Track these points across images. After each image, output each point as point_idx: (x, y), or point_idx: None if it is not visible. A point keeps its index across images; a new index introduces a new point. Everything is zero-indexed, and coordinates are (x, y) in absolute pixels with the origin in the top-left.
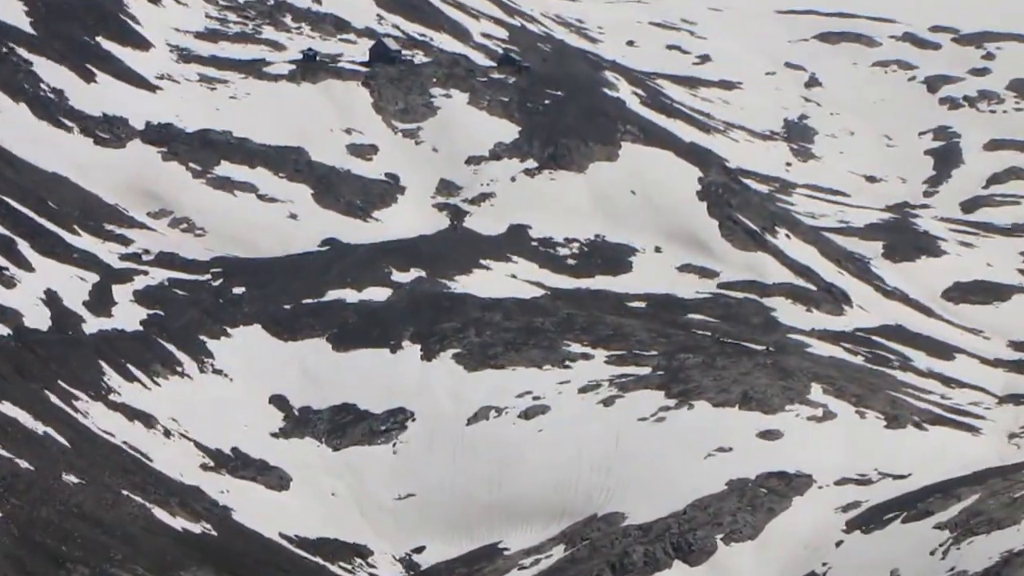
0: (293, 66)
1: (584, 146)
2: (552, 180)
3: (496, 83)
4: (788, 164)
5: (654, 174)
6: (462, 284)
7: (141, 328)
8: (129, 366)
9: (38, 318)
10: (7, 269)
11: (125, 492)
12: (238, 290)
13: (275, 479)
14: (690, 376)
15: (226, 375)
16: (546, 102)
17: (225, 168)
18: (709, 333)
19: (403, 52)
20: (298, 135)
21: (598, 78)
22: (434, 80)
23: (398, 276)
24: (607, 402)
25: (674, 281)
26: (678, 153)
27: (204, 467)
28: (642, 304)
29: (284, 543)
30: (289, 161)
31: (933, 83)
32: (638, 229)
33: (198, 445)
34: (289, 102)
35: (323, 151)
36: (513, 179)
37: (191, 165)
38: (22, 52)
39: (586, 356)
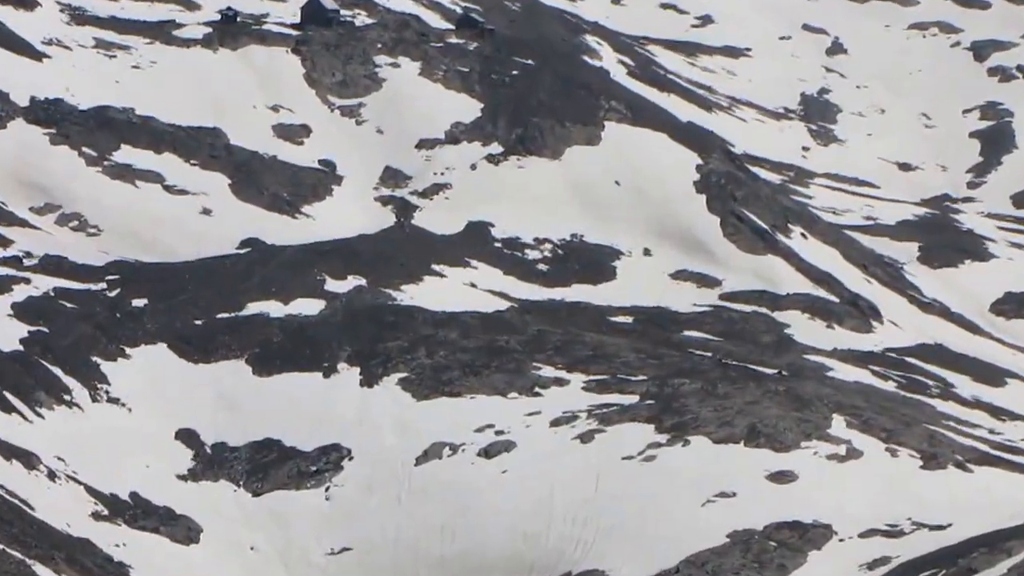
0: (209, 29)
1: (559, 127)
2: (520, 168)
3: (454, 49)
4: (805, 149)
5: (643, 161)
6: (411, 295)
7: (21, 348)
8: (6, 394)
9: None
10: None
11: (0, 546)
12: (139, 302)
13: (182, 530)
14: (686, 406)
15: (124, 404)
16: (514, 73)
17: (126, 153)
18: (709, 354)
19: (341, 12)
20: (214, 113)
21: (577, 43)
22: (379, 46)
23: (333, 285)
24: (585, 437)
25: (667, 291)
26: (673, 135)
27: (96, 516)
28: (628, 319)
29: None
30: (203, 145)
31: (981, 50)
32: (624, 227)
33: (89, 489)
34: (204, 73)
35: (244, 132)
36: (473, 167)
37: (84, 150)
38: None
39: (560, 382)
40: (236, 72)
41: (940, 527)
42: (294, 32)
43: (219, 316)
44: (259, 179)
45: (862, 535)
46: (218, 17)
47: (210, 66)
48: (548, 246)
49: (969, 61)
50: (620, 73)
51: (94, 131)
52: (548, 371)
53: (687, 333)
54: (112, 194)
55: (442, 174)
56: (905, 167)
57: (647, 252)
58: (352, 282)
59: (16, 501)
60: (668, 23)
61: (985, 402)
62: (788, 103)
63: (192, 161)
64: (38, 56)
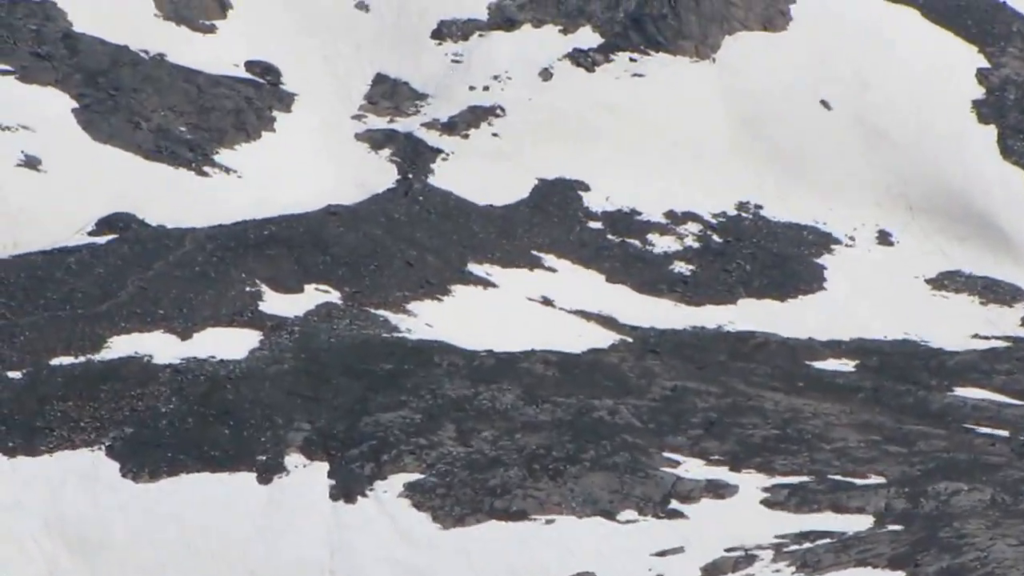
0: None
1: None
2: (637, 78)
3: None
4: None
5: (874, 62)
6: (425, 319)
7: None
8: None
9: None
10: None
11: None
12: None
13: None
14: (964, 535)
15: None
16: None
17: None
18: (1004, 434)
19: None
20: None
21: None
22: None
23: (276, 302)
24: None
25: (921, 310)
26: (930, 12)
27: None
28: (848, 363)
29: None
30: (23, 33)
31: None
32: (840, 190)
33: None
34: None
35: (98, 12)
36: (546, 74)
37: None
38: None
39: (717, 489)
40: None
41: None
42: None
43: (55, 364)
44: (133, 101)
45: None
46: None
47: None
48: (693, 227)
49: None
50: None
51: None
52: (692, 467)
53: (960, 391)
54: None
55: (486, 89)
56: None
57: (884, 238)
58: (313, 297)
59: None
60: None
61: None
62: None
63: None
64: None
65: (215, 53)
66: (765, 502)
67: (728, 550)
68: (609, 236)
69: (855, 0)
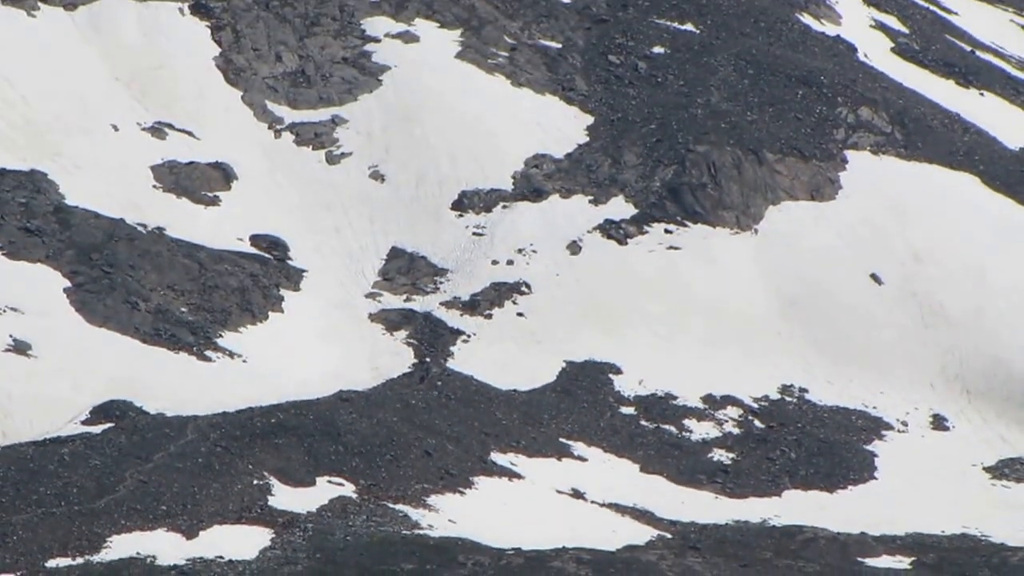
0: None
1: (753, 164)
2: (673, 250)
3: (530, 3)
4: None
5: (928, 231)
6: (448, 515)
7: None
8: None
9: None
10: None
11: None
12: None
13: None
14: None
15: None
16: (656, 52)
17: None
18: None
19: None
20: (33, 139)
21: None
22: None
23: (286, 496)
24: None
25: (984, 504)
26: (989, 178)
27: None
28: (905, 562)
29: None
30: (10, 204)
31: None
32: (891, 371)
33: None
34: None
35: (93, 179)
36: (575, 247)
37: None
38: None
39: None
40: (80, 52)
41: None
42: None
43: (51, 566)
44: (130, 280)
45: None
46: None
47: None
48: (733, 412)
49: None
50: (879, 49)
51: None
52: None
53: None
54: None
55: (510, 263)
56: None
57: (939, 423)
58: (326, 491)
59: None
60: None
61: None
62: None
63: None
64: None
65: (218, 226)
66: None
67: None
68: (643, 422)
69: (908, 166)
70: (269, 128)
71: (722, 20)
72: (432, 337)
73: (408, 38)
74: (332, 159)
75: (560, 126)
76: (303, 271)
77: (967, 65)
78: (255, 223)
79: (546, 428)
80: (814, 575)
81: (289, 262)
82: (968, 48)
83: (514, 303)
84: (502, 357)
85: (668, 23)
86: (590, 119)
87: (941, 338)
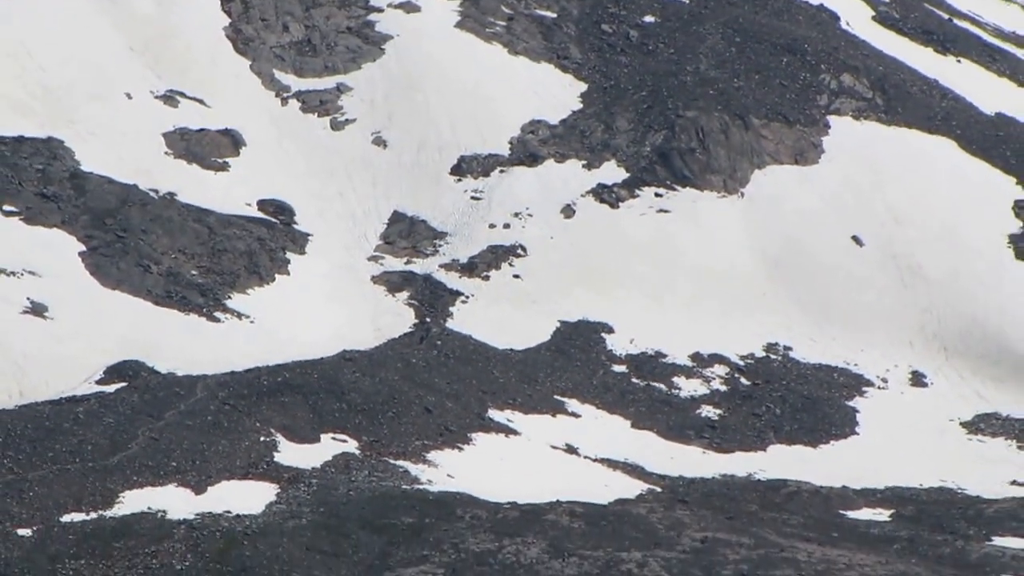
0: None
1: (740, 129)
2: (663, 213)
3: None
4: None
5: (909, 194)
6: (447, 469)
7: None
8: None
9: None
10: None
11: None
12: None
13: None
14: None
15: None
16: (647, 20)
17: None
18: None
19: None
20: (51, 103)
21: None
22: None
23: (291, 452)
24: None
25: (961, 457)
26: (966, 142)
27: None
28: (884, 513)
29: None
30: (28, 167)
31: None
32: (872, 330)
33: None
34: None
35: (106, 144)
36: (568, 211)
37: None
38: None
39: None
40: (95, 22)
41: None
42: None
43: (66, 520)
44: (142, 244)
45: None
46: None
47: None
48: (720, 370)
49: None
50: (861, 18)
51: None
52: None
53: (999, 541)
54: None
55: (506, 227)
56: None
57: (918, 379)
58: (330, 447)
59: None
60: None
61: None
62: None
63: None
64: None
65: (227, 192)
66: None
67: None
68: (634, 380)
69: (888, 130)
70: (276, 96)
71: None
72: (432, 298)
73: (410, 8)
74: (336, 126)
75: (555, 93)
76: (308, 235)
77: (945, 33)
78: (262, 188)
79: (541, 386)
80: (798, 527)
81: (295, 226)
82: (946, 16)
83: (511, 265)
84: (499, 317)
85: None
86: (584, 86)
87: (920, 298)
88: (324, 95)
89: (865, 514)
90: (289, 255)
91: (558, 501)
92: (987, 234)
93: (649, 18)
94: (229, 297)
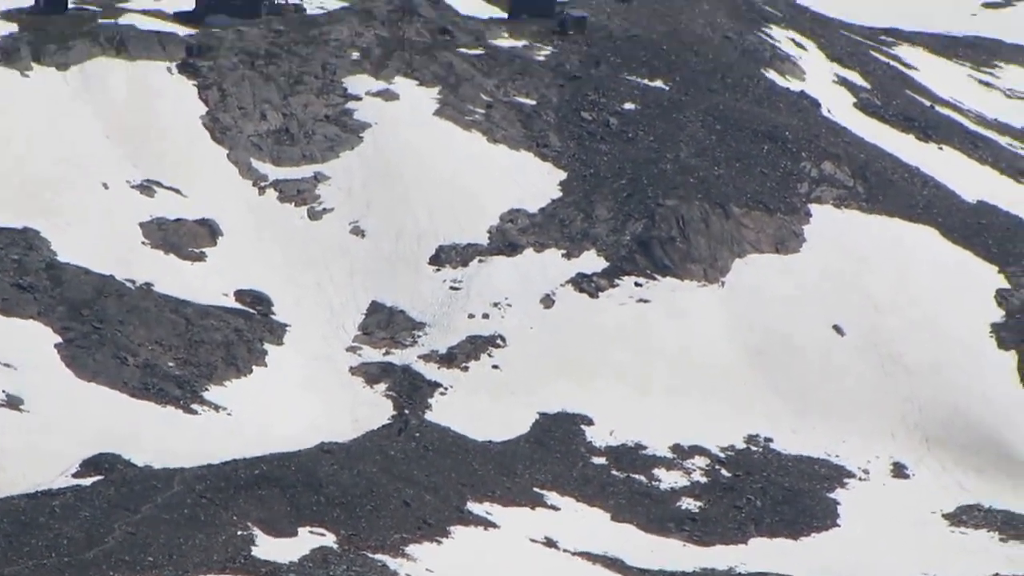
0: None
1: (721, 219)
2: (643, 303)
3: (507, 61)
4: None
5: (890, 286)
6: (425, 563)
7: None
8: None
9: None
10: None
11: None
12: None
13: None
14: None
15: None
16: (627, 108)
17: None
18: None
19: None
20: (25, 195)
21: (753, 46)
22: (355, 56)
23: (268, 547)
24: None
25: (941, 546)
26: (948, 231)
27: None
28: None
29: None
30: (6, 266)
31: None
32: (854, 422)
33: None
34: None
35: (80, 236)
36: (547, 301)
37: None
38: None
39: None
40: (72, 110)
41: None
42: (182, 31)
43: None
44: (119, 335)
45: None
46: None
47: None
48: (700, 461)
49: None
50: (842, 105)
51: None
52: None
53: None
54: None
55: (485, 316)
56: None
57: (899, 470)
58: (307, 541)
59: None
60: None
61: None
62: None
63: None
64: None
65: (204, 282)
66: None
67: None
68: (614, 472)
69: (870, 218)
70: (254, 185)
71: (691, 77)
72: (410, 389)
73: (388, 96)
74: (314, 215)
75: (534, 181)
76: (286, 326)
77: (927, 119)
78: (240, 278)
79: (520, 478)
80: None
81: (272, 317)
82: (928, 103)
83: (489, 356)
84: (478, 409)
85: (639, 80)
86: (563, 174)
87: (901, 387)
88: (302, 184)
89: None
90: (267, 346)
91: None
92: (969, 323)
93: (629, 105)
94: (206, 389)
